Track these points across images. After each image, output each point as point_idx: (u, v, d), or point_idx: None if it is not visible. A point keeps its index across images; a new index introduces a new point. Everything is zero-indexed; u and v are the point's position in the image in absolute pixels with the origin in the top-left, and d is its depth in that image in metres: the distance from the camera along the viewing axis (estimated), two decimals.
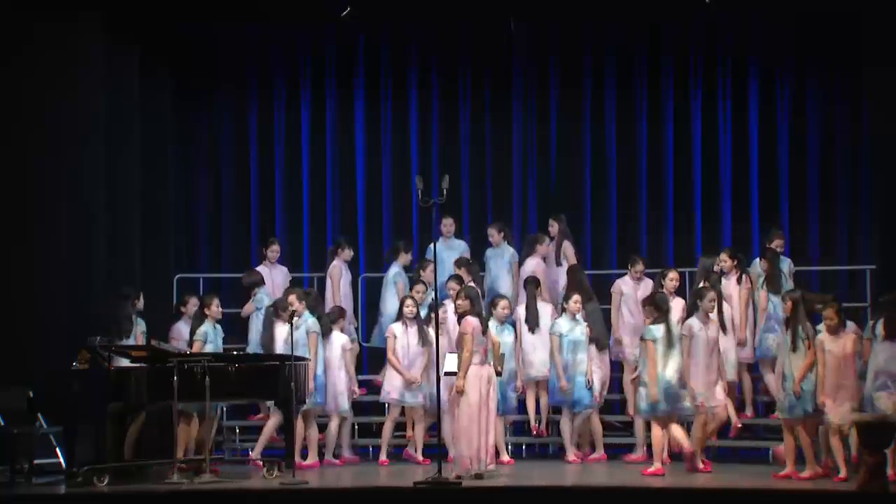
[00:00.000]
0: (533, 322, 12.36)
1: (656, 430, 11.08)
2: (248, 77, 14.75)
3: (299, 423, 11.55)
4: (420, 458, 12.02)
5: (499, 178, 14.80)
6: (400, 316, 12.21)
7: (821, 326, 10.62)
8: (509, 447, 12.21)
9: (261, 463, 11.39)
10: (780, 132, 14.42)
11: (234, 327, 12.95)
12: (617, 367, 12.77)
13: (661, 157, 14.59)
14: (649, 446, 11.76)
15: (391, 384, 12.14)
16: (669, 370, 11.07)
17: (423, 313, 12.09)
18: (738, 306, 12.09)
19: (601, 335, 12.23)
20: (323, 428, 12.40)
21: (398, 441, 12.48)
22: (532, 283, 12.56)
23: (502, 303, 12.00)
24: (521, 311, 12.41)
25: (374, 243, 14.54)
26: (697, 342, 11.10)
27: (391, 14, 14.02)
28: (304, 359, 11.47)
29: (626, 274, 12.90)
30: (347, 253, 13.19)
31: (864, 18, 13.13)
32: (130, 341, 11.73)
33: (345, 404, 12.08)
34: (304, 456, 11.84)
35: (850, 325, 10.83)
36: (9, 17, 12.15)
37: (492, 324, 11.80)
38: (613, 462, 11.99)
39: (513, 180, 14.75)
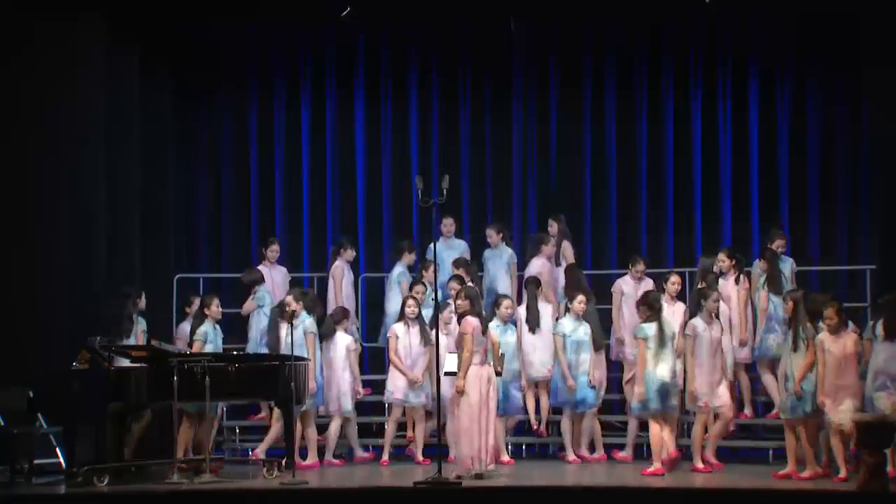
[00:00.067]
0: (534, 322, 12.37)
1: (654, 429, 11.08)
2: (248, 77, 14.75)
3: (298, 424, 11.54)
4: (420, 457, 12.02)
5: (499, 178, 14.80)
6: (402, 316, 12.21)
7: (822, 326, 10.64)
8: (509, 447, 12.21)
9: (262, 459, 11.40)
10: (780, 132, 14.42)
11: (234, 327, 12.95)
12: (617, 366, 12.78)
13: (661, 157, 14.59)
14: (638, 447, 11.79)
15: (394, 384, 12.14)
16: (662, 369, 11.09)
17: (426, 314, 12.08)
18: (737, 307, 12.09)
19: (598, 335, 12.23)
20: (323, 429, 12.44)
21: (398, 441, 12.49)
22: (533, 283, 12.56)
23: (505, 302, 12.00)
24: (521, 310, 12.41)
25: (374, 243, 14.54)
26: (701, 342, 11.11)
27: (391, 14, 14.02)
28: (303, 359, 11.47)
29: (626, 274, 12.90)
30: (350, 253, 13.20)
31: (864, 18, 13.14)
32: (131, 340, 11.73)
33: (348, 405, 12.08)
34: (304, 456, 11.85)
35: (849, 325, 10.84)
36: (9, 17, 12.15)
37: (495, 323, 11.85)
38: (613, 462, 11.98)
39: (513, 180, 14.75)
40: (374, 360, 13.53)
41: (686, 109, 14.56)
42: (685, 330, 11.30)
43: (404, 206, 14.63)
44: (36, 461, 11.14)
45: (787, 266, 12.45)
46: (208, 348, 11.63)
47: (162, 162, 13.63)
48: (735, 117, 14.51)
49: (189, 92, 14.38)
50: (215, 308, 11.87)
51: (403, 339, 12.16)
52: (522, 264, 13.63)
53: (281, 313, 11.91)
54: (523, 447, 12.75)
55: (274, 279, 13.08)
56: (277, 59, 14.79)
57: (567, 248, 13.26)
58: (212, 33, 14.26)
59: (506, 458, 11.92)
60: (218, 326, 12.04)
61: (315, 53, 14.80)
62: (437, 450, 10.76)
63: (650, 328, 11.16)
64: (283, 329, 11.79)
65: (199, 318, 11.85)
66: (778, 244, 12.46)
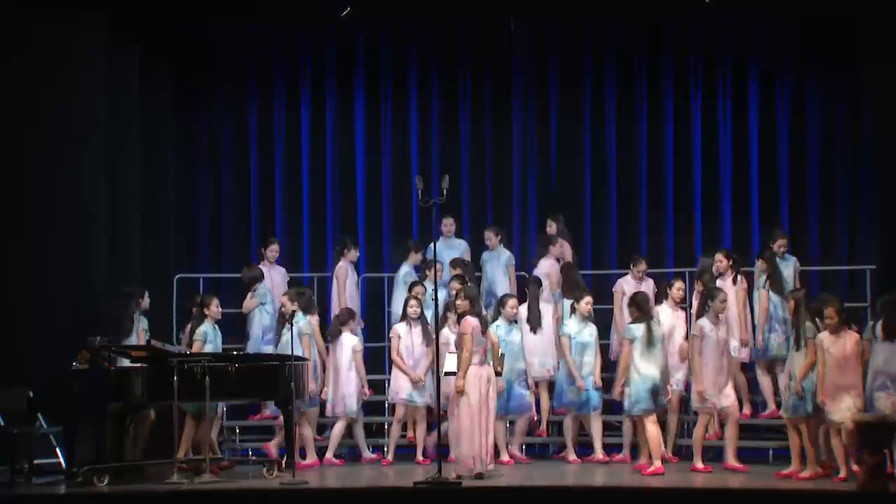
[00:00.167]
0: (535, 322, 12.37)
1: (651, 429, 11.09)
2: (248, 77, 14.75)
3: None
4: (421, 457, 12.03)
5: (499, 178, 14.81)
6: (404, 316, 12.21)
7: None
8: (509, 447, 12.20)
9: (273, 451, 11.54)
10: (780, 132, 14.42)
11: (234, 327, 12.94)
12: (617, 366, 12.76)
13: (661, 157, 14.60)
14: (634, 446, 11.79)
15: (398, 384, 12.14)
16: (652, 369, 11.12)
17: (428, 314, 12.09)
18: (736, 307, 12.08)
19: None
20: (323, 429, 12.46)
21: (399, 441, 12.48)
22: (535, 283, 12.57)
23: (511, 302, 12.01)
24: (522, 310, 12.41)
25: (374, 243, 14.54)
26: (708, 343, 11.11)
27: (391, 14, 14.02)
28: (303, 359, 11.48)
29: (627, 273, 12.90)
30: (353, 254, 13.20)
31: (864, 18, 13.14)
32: (132, 340, 11.73)
33: (353, 406, 12.08)
34: (303, 456, 11.85)
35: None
36: (9, 17, 12.15)
37: (500, 323, 11.86)
38: (613, 462, 11.98)
39: (513, 180, 14.75)
40: (374, 360, 13.52)
41: (686, 109, 14.57)
42: (692, 330, 11.29)
43: (404, 206, 14.63)
44: (36, 461, 11.13)
45: (791, 265, 12.46)
46: (208, 348, 11.63)
47: (162, 162, 13.63)
48: (735, 117, 14.51)
49: (189, 92, 14.38)
50: (215, 308, 11.86)
51: (405, 338, 12.17)
52: (521, 265, 13.66)
53: (281, 316, 11.92)
54: (523, 447, 12.73)
55: (273, 279, 13.08)
56: (277, 59, 14.79)
57: (566, 249, 13.25)
58: (212, 33, 14.26)
59: (506, 457, 11.92)
60: (217, 326, 12.03)
61: (315, 53, 14.80)
62: (437, 450, 10.75)
63: (638, 329, 11.20)
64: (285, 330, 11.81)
65: (199, 318, 11.84)
66: (780, 244, 12.46)
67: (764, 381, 12.21)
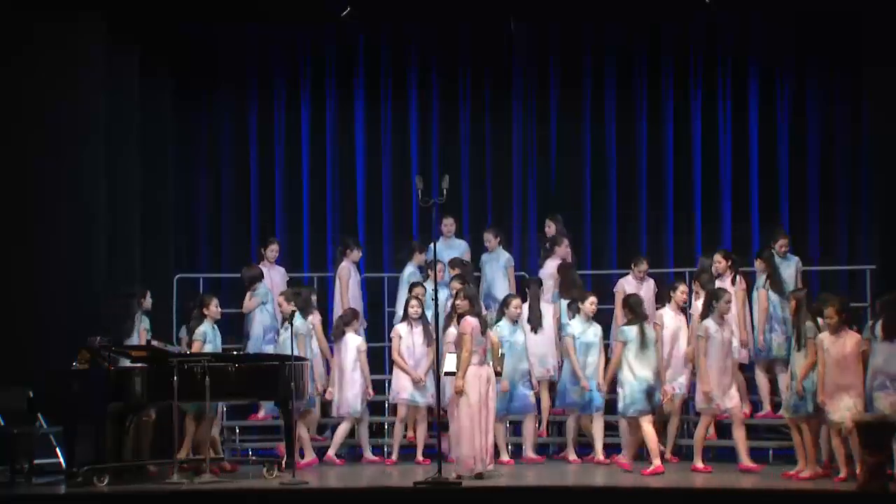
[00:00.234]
0: (536, 322, 12.36)
1: (647, 429, 11.10)
2: (248, 77, 14.75)
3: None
4: (421, 457, 12.04)
5: (499, 178, 14.81)
6: (405, 316, 12.22)
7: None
8: (509, 447, 12.20)
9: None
10: (780, 132, 14.43)
11: (234, 327, 12.94)
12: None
13: (661, 157, 14.60)
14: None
15: (400, 384, 12.15)
16: (645, 370, 11.15)
17: (428, 314, 12.09)
18: (735, 307, 12.06)
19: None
20: (322, 430, 12.47)
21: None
22: (535, 284, 12.58)
23: (514, 302, 12.01)
24: (523, 310, 12.39)
25: (374, 243, 14.53)
26: (713, 344, 11.11)
27: (391, 14, 14.02)
28: (303, 359, 11.48)
29: (628, 273, 12.90)
30: (356, 254, 13.20)
31: (864, 18, 13.13)
32: (134, 339, 11.73)
33: (358, 406, 12.09)
34: (301, 456, 11.87)
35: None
36: (9, 17, 12.14)
37: (503, 323, 11.85)
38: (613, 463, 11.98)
39: (513, 180, 14.75)
40: (374, 361, 13.51)
41: (686, 109, 14.57)
42: (697, 331, 11.29)
43: (404, 206, 14.63)
44: (36, 461, 11.13)
45: (793, 265, 12.47)
46: (207, 348, 11.63)
47: (162, 162, 13.63)
48: (735, 117, 14.52)
49: (189, 92, 14.37)
50: (214, 308, 11.85)
51: (406, 339, 12.17)
52: (520, 265, 13.67)
53: (290, 317, 11.94)
54: (523, 447, 12.73)
55: (273, 279, 13.08)
56: (277, 59, 14.79)
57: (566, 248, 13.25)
58: (212, 33, 14.26)
59: (506, 457, 11.92)
60: (215, 326, 12.03)
61: (315, 53, 14.80)
62: (437, 450, 10.75)
63: (631, 331, 11.22)
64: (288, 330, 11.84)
65: (198, 318, 11.84)
66: (781, 244, 12.48)
67: (762, 381, 12.23)
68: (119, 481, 10.55)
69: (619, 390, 11.26)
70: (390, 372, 12.59)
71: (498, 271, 13.15)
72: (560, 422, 12.56)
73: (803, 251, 13.35)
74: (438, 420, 10.92)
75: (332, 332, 12.48)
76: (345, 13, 13.42)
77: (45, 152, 12.13)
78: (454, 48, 14.71)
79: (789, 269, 12.42)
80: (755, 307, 12.26)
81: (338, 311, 12.87)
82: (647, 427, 11.11)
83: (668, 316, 11.89)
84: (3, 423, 11.21)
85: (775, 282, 12.18)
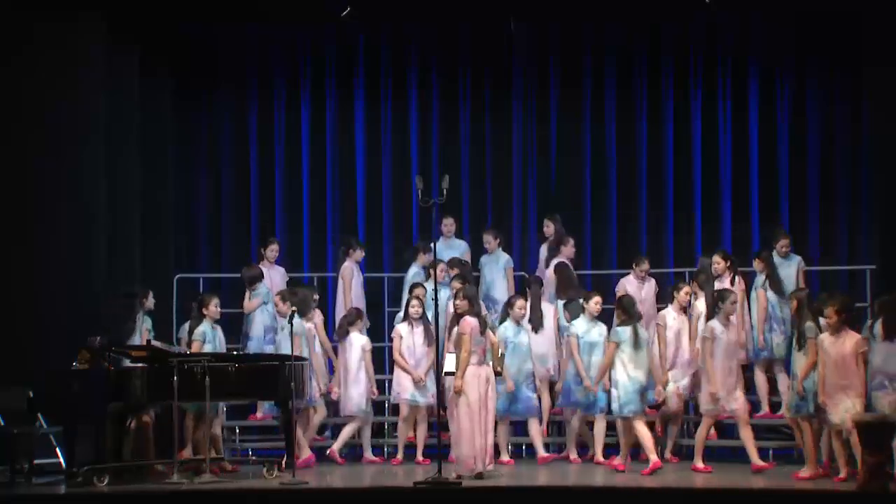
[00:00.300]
0: (537, 322, 12.36)
1: (641, 429, 11.12)
2: (248, 77, 14.75)
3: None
4: (421, 457, 12.04)
5: (499, 178, 14.81)
6: (406, 316, 12.22)
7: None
8: (509, 447, 12.20)
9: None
10: (780, 132, 14.43)
11: (234, 327, 12.93)
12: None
13: (661, 157, 14.60)
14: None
15: (401, 384, 12.15)
16: (638, 371, 11.17)
17: (428, 314, 12.10)
18: (708, 312, 12.01)
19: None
20: (322, 430, 12.47)
21: (396, 441, 12.50)
22: (536, 283, 12.58)
23: (519, 303, 12.01)
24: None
25: (374, 243, 14.52)
26: (719, 345, 11.10)
27: (391, 14, 14.02)
28: (303, 359, 11.49)
29: (629, 273, 12.90)
30: (359, 253, 13.21)
31: (864, 18, 13.14)
32: (136, 340, 11.72)
33: (363, 405, 12.11)
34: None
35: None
36: (9, 17, 12.14)
37: (508, 324, 11.86)
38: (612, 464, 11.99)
39: (513, 180, 14.75)
40: (375, 361, 13.47)
41: (686, 109, 14.57)
42: (703, 332, 11.28)
43: (404, 206, 14.63)
44: (36, 461, 11.12)
45: (794, 265, 12.49)
46: (207, 348, 11.62)
47: (162, 162, 13.63)
48: (735, 117, 14.52)
49: (189, 92, 14.38)
50: (213, 308, 11.84)
51: (407, 338, 12.17)
52: (520, 265, 13.66)
53: (301, 313, 11.96)
54: (523, 447, 12.74)
55: (272, 279, 13.08)
56: (277, 59, 14.79)
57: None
58: (212, 33, 14.26)
59: (506, 457, 11.93)
60: (218, 326, 12.03)
61: (315, 53, 14.80)
62: (437, 450, 10.76)
63: (624, 332, 11.23)
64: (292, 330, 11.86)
65: (198, 318, 11.84)
66: (782, 244, 12.50)
67: (761, 381, 12.23)
68: (119, 481, 10.55)
69: (613, 391, 11.27)
70: (391, 372, 12.59)
71: (497, 273, 13.16)
72: (560, 422, 12.55)
73: (803, 251, 13.35)
74: (439, 420, 10.92)
75: (336, 332, 12.49)
76: (345, 13, 13.42)
77: (45, 152, 12.13)
78: (454, 48, 14.71)
79: (790, 269, 12.43)
80: (754, 307, 12.27)
81: (340, 310, 12.89)
82: (641, 427, 11.13)
83: (671, 316, 11.90)
84: (3, 423, 11.21)
85: (774, 281, 12.19)
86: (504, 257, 13.24)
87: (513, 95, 14.70)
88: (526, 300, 12.24)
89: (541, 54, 14.69)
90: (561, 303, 12.47)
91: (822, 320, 10.58)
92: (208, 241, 14.73)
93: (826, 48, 14.04)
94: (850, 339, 10.41)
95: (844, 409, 10.24)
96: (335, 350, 12.57)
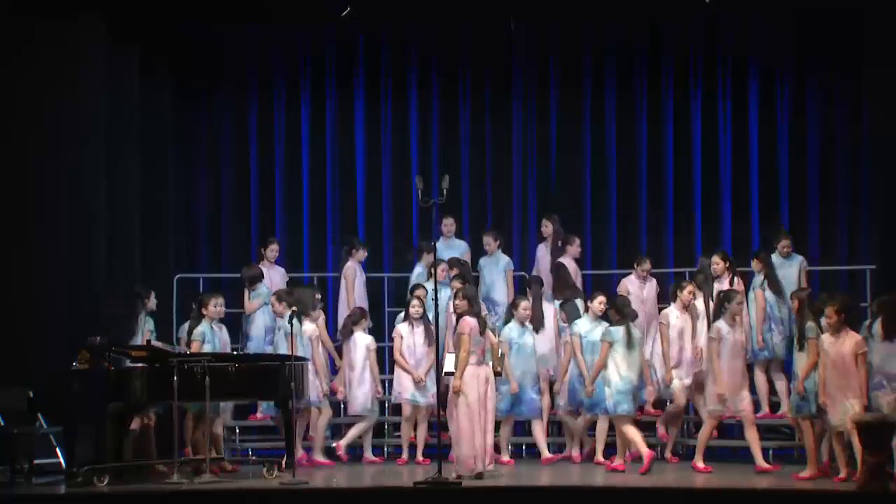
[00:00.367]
0: (538, 322, 12.35)
1: (630, 429, 11.15)
2: (248, 77, 14.75)
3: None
4: (421, 457, 12.04)
5: (499, 178, 14.81)
6: (406, 316, 12.22)
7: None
8: (510, 447, 12.19)
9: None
10: (780, 132, 14.44)
11: (233, 327, 12.91)
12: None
13: (661, 157, 14.60)
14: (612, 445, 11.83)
15: (401, 384, 12.15)
16: (631, 372, 11.20)
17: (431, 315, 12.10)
18: (714, 312, 12.01)
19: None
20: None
21: (396, 441, 12.50)
22: (536, 283, 12.58)
23: (524, 304, 12.00)
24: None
25: (374, 243, 14.50)
26: (726, 345, 11.10)
27: (391, 14, 14.02)
28: (303, 359, 11.49)
29: (629, 273, 12.90)
30: (362, 254, 13.23)
31: (864, 18, 13.13)
32: (138, 340, 11.72)
33: (368, 404, 12.12)
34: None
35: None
36: (9, 17, 12.14)
37: (513, 325, 11.90)
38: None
39: (513, 180, 14.75)
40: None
41: (686, 109, 14.58)
42: (710, 332, 11.28)
43: (404, 206, 14.64)
44: (36, 461, 11.11)
45: (796, 265, 12.50)
46: (206, 348, 11.62)
47: (162, 162, 13.63)
48: (735, 117, 14.52)
49: (189, 92, 14.38)
50: (212, 308, 11.82)
51: (408, 338, 12.18)
52: (520, 265, 13.66)
53: (305, 313, 11.96)
54: (523, 447, 12.74)
55: (272, 279, 13.08)
56: (277, 59, 14.79)
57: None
58: (212, 33, 14.26)
59: (506, 457, 11.92)
60: (223, 326, 12.03)
61: (315, 53, 14.80)
62: (437, 450, 10.76)
63: (618, 332, 11.26)
64: (305, 328, 11.86)
65: (197, 318, 11.83)
66: (783, 244, 12.52)
67: (760, 381, 12.22)
68: (119, 481, 10.54)
69: (606, 389, 11.28)
70: (391, 372, 12.59)
71: (498, 275, 13.16)
72: (558, 421, 12.55)
73: (803, 251, 13.33)
74: (438, 420, 10.92)
75: (341, 331, 12.50)
76: (345, 13, 13.41)
77: (45, 152, 12.13)
78: (454, 48, 14.71)
79: (792, 269, 12.44)
80: (752, 307, 12.26)
81: (343, 310, 12.91)
82: (629, 427, 11.15)
83: (674, 315, 11.90)
84: (3, 423, 11.20)
85: (772, 281, 12.19)
86: (504, 259, 13.25)
87: (513, 95, 14.70)
88: (539, 300, 12.22)
89: (541, 54, 14.69)
90: (557, 303, 12.46)
91: (823, 320, 10.58)
92: (208, 241, 14.73)
93: (826, 48, 14.04)
94: (850, 340, 10.40)
95: (844, 410, 10.24)
96: (340, 349, 12.57)
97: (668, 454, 11.99)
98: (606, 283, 13.49)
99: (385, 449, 12.70)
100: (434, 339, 11.64)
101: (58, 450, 11.21)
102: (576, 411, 12.10)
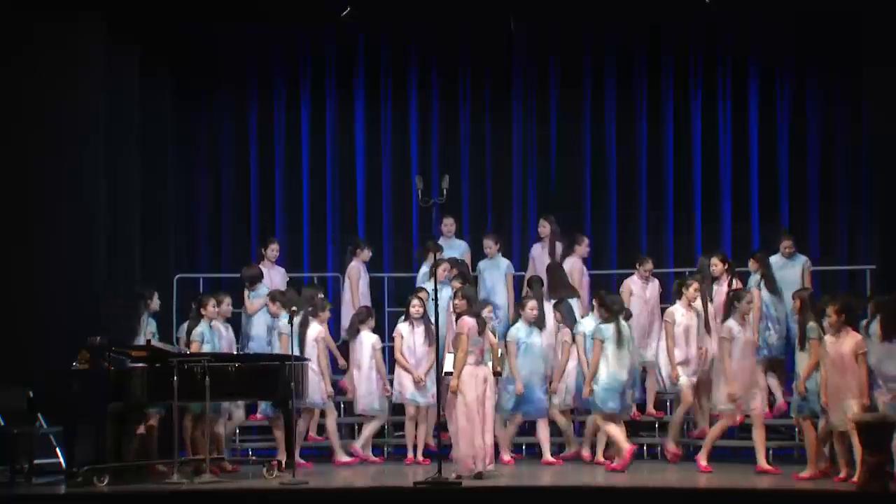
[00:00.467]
0: (540, 321, 12.34)
1: (611, 427, 11.19)
2: (248, 77, 14.75)
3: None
4: (421, 457, 12.04)
5: (499, 178, 14.81)
6: (407, 316, 12.22)
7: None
8: (543, 456, 12.09)
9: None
10: (780, 132, 14.43)
11: (233, 327, 12.91)
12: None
13: (661, 157, 14.60)
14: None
15: (402, 384, 12.16)
16: (621, 370, 11.20)
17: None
18: (724, 312, 12.00)
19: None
20: (321, 430, 12.46)
21: (397, 440, 12.50)
22: (537, 283, 12.57)
23: (531, 304, 11.98)
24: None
25: (374, 243, 14.47)
26: (737, 344, 11.09)
27: (391, 14, 14.03)
28: (303, 359, 11.49)
29: (629, 273, 12.89)
30: (366, 253, 13.24)
31: (864, 18, 13.13)
32: (141, 341, 11.71)
33: (375, 404, 12.13)
34: (304, 456, 11.89)
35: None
36: (9, 17, 12.14)
37: (520, 325, 11.90)
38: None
39: (513, 180, 14.75)
40: None
41: (686, 109, 14.58)
42: (721, 332, 11.27)
43: (404, 206, 14.64)
44: (36, 461, 11.11)
45: (799, 265, 12.51)
46: (206, 348, 11.61)
47: (162, 162, 13.63)
48: (735, 117, 14.52)
49: (189, 92, 14.37)
50: (211, 308, 11.81)
51: (408, 338, 12.17)
52: (520, 265, 13.65)
53: (314, 313, 12.00)
54: (523, 447, 12.74)
55: (273, 279, 13.07)
56: (277, 59, 14.79)
57: (560, 249, 13.24)
58: (212, 33, 14.26)
59: (506, 457, 11.92)
60: (229, 326, 12.03)
61: (315, 53, 14.80)
62: (437, 450, 10.75)
63: (608, 330, 11.25)
64: (311, 329, 11.89)
65: (196, 318, 11.83)
66: (785, 245, 12.55)
67: (760, 381, 12.20)
68: (119, 481, 10.54)
69: (595, 387, 11.27)
70: (391, 372, 12.59)
71: (499, 279, 13.16)
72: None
73: (803, 251, 13.33)
74: (438, 420, 10.92)
75: (347, 331, 12.50)
76: (345, 13, 13.42)
77: (45, 152, 12.13)
78: (454, 48, 14.71)
79: (795, 270, 12.45)
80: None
81: (347, 310, 12.92)
82: (612, 425, 11.19)
83: (679, 313, 11.87)
84: (3, 423, 11.20)
85: (769, 281, 12.19)
86: (505, 263, 13.25)
87: (513, 95, 14.70)
88: (540, 300, 12.21)
89: (541, 54, 14.69)
90: (552, 302, 12.45)
91: (824, 321, 10.57)
92: (208, 241, 14.73)
93: (826, 48, 14.04)
94: (850, 340, 10.39)
95: (843, 410, 10.24)
96: (341, 348, 12.56)
97: (702, 461, 11.92)
98: (606, 283, 13.48)
99: (385, 449, 12.69)
100: (434, 338, 11.65)
101: (58, 450, 11.21)
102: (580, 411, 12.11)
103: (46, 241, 12.06)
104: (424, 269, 13.08)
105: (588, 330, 11.87)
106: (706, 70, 14.54)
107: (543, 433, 12.04)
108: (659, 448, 12.28)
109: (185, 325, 12.08)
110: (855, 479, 9.91)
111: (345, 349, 12.68)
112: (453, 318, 11.56)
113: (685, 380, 11.75)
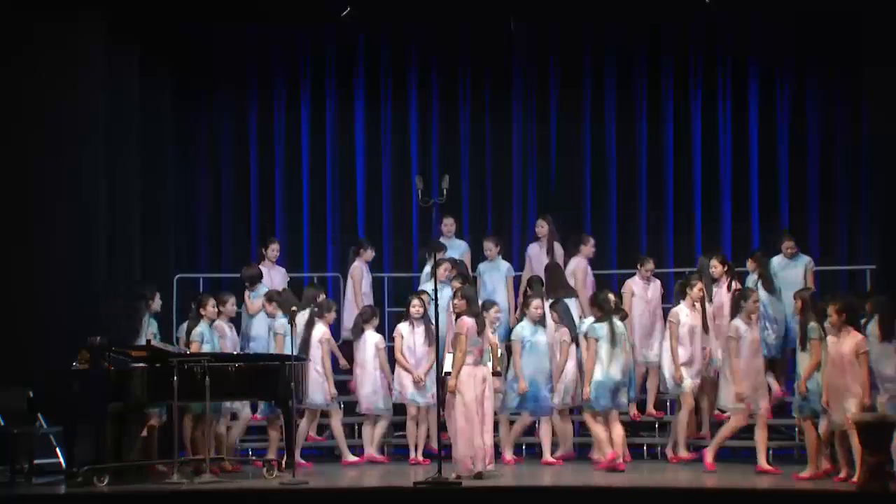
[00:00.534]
0: (542, 321, 12.33)
1: (594, 426, 11.22)
2: (248, 77, 14.75)
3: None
4: (421, 457, 12.04)
5: (499, 178, 14.81)
6: (407, 316, 12.22)
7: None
8: (544, 457, 12.06)
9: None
10: (780, 132, 14.43)
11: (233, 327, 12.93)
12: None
13: (661, 157, 14.60)
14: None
15: (402, 383, 12.15)
16: (614, 368, 11.19)
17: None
18: (727, 310, 11.99)
19: (573, 332, 12.16)
20: (322, 430, 12.45)
21: (399, 441, 12.50)
22: (538, 283, 12.57)
23: (535, 303, 11.97)
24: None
25: (374, 243, 14.45)
26: (744, 344, 11.09)
27: (391, 14, 14.03)
28: (303, 359, 11.49)
29: (630, 273, 12.89)
30: (369, 254, 13.24)
31: (864, 18, 13.13)
32: (142, 341, 11.70)
33: (379, 403, 12.13)
34: (304, 456, 11.88)
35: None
36: (9, 17, 12.14)
37: (525, 324, 11.88)
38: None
39: (513, 180, 14.75)
40: None
41: (686, 109, 14.57)
42: (728, 331, 11.26)
43: (404, 206, 14.64)
44: (36, 461, 11.11)
45: (802, 265, 12.51)
46: (206, 348, 11.62)
47: (162, 162, 13.63)
48: (735, 117, 14.52)
49: (189, 92, 14.37)
50: (211, 308, 11.82)
51: (408, 338, 12.18)
52: (519, 265, 13.65)
53: (319, 313, 12.01)
54: (523, 447, 12.74)
55: (273, 279, 13.07)
56: (277, 59, 14.79)
57: (559, 248, 13.25)
58: (212, 33, 14.26)
59: (508, 457, 11.92)
60: (233, 326, 12.03)
61: (315, 53, 14.80)
62: (437, 450, 10.75)
63: (601, 329, 11.24)
64: (315, 330, 11.89)
65: (195, 318, 11.83)
66: (787, 245, 12.56)
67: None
68: (119, 481, 10.55)
69: (587, 385, 11.27)
70: (391, 371, 12.58)
71: (499, 281, 13.15)
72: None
73: (803, 251, 13.34)
74: (438, 420, 10.91)
75: (352, 330, 12.49)
76: (345, 13, 13.42)
77: (45, 152, 12.13)
78: (454, 48, 14.71)
79: (797, 270, 12.46)
80: None
81: (350, 310, 12.92)
82: (599, 425, 11.18)
83: (684, 312, 11.86)
84: (3, 423, 11.20)
85: (766, 281, 12.19)
86: (505, 265, 13.25)
87: (513, 95, 14.70)
88: (542, 300, 12.21)
89: (541, 54, 14.69)
90: (549, 302, 12.44)
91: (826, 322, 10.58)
92: (208, 241, 14.73)
93: (826, 48, 14.04)
94: (850, 340, 10.38)
95: (844, 410, 10.24)
96: (346, 348, 12.56)
97: (669, 451, 11.95)
98: (607, 283, 13.47)
99: (385, 449, 12.69)
100: (434, 339, 11.64)
101: (58, 450, 11.21)
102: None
103: (46, 241, 12.06)
104: (428, 268, 13.08)
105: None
106: (706, 70, 14.54)
107: (546, 433, 12.04)
108: (659, 448, 12.27)
109: (185, 324, 12.08)
110: (855, 479, 9.92)
111: (346, 349, 12.68)
112: (453, 318, 11.56)
113: (689, 382, 11.73)
